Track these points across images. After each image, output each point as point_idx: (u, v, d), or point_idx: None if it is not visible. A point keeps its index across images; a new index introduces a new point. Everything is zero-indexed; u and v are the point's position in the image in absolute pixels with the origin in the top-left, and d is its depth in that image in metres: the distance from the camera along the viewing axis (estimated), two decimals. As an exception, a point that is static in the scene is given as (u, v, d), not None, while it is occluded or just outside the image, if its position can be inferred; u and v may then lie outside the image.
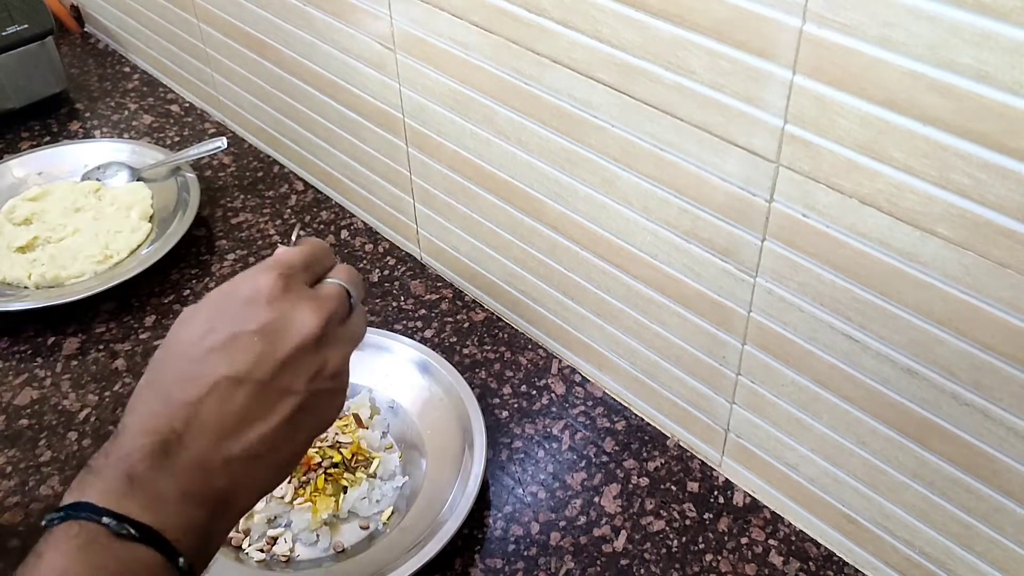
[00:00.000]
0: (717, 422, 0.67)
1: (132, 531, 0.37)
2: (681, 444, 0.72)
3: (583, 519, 0.67)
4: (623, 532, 0.66)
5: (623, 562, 0.64)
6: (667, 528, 0.66)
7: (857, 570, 0.63)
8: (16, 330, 0.83)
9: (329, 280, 0.46)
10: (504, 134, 0.69)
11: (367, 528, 0.66)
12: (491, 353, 0.80)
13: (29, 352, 0.81)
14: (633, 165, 0.60)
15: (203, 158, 1.01)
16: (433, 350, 0.75)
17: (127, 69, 1.22)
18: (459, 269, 0.85)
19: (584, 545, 0.65)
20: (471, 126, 0.71)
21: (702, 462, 0.70)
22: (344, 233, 0.94)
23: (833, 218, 0.50)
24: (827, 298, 0.53)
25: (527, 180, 0.70)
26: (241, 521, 0.65)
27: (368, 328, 0.78)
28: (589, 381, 0.77)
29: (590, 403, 0.75)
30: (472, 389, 0.71)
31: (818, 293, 0.54)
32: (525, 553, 0.65)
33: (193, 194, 0.93)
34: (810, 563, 0.64)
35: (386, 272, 0.89)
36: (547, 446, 0.72)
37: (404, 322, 0.83)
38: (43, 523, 0.37)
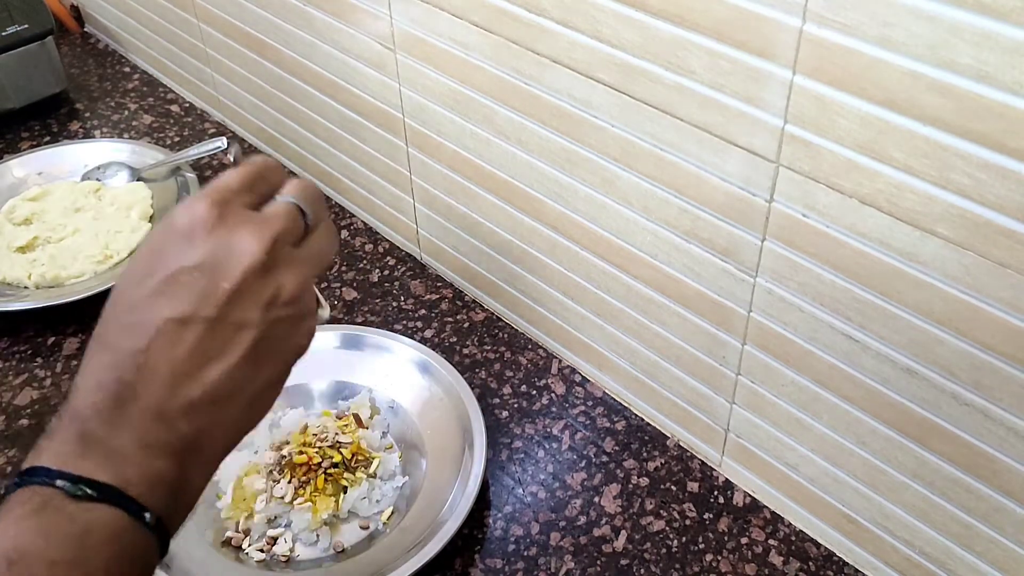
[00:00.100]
0: (717, 422, 0.67)
1: (89, 491, 0.35)
2: (681, 444, 0.72)
3: (583, 519, 0.67)
4: (623, 532, 0.66)
5: (623, 562, 0.64)
6: (667, 528, 0.66)
7: (857, 570, 0.63)
8: (16, 330, 0.83)
9: (278, 199, 0.42)
10: (504, 134, 0.69)
11: (367, 528, 0.66)
12: (491, 353, 0.80)
13: (29, 352, 0.81)
14: (633, 165, 0.60)
15: (203, 158, 1.01)
16: (433, 350, 0.75)
17: (127, 69, 1.22)
18: (459, 269, 0.85)
19: (584, 545, 0.65)
20: (471, 126, 0.71)
21: (702, 462, 0.70)
22: (344, 233, 0.94)
23: (833, 218, 0.50)
24: (827, 298, 0.53)
25: (527, 180, 0.70)
26: (241, 520, 0.65)
27: (368, 328, 0.79)
28: (589, 381, 0.77)
29: (590, 403, 0.75)
30: (472, 389, 0.71)
31: (818, 293, 0.54)
32: (525, 553, 0.65)
33: (193, 194, 0.93)
34: (810, 563, 0.64)
35: (386, 272, 0.89)
36: (547, 446, 0.72)
37: (404, 322, 0.83)
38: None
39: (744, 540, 0.65)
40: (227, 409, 0.39)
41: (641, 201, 0.61)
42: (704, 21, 0.50)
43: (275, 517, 0.66)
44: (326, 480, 0.66)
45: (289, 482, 0.66)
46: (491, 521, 0.67)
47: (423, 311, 0.84)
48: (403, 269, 0.89)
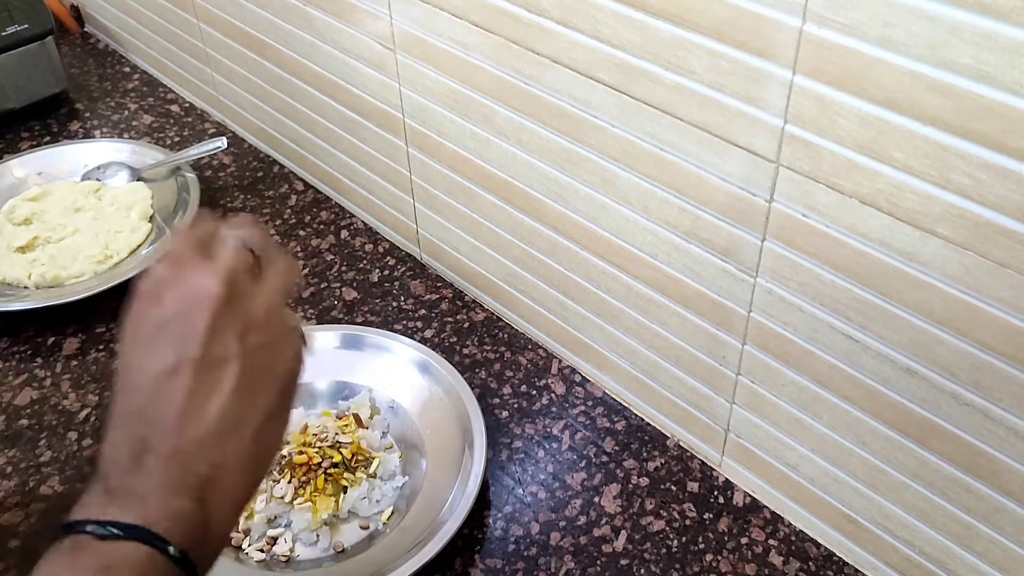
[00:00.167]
0: (717, 422, 0.67)
1: (115, 531, 0.37)
2: (681, 444, 0.72)
3: (583, 519, 0.67)
4: (623, 532, 0.66)
5: (623, 562, 0.64)
6: (667, 528, 0.66)
7: (857, 570, 0.63)
8: (16, 330, 0.83)
9: (222, 242, 0.45)
10: (504, 134, 0.69)
11: (367, 528, 0.66)
12: (491, 353, 0.80)
13: (29, 352, 0.81)
14: (633, 165, 0.60)
15: (203, 158, 1.01)
16: (433, 350, 0.75)
17: (127, 69, 1.22)
18: (459, 269, 0.85)
19: (584, 545, 0.65)
20: (471, 126, 0.71)
21: (702, 462, 0.70)
22: (344, 233, 0.94)
23: (833, 218, 0.50)
24: (827, 298, 0.53)
25: (527, 180, 0.70)
26: (241, 521, 0.65)
27: (368, 328, 0.79)
28: (589, 381, 0.77)
29: (590, 403, 0.75)
30: (472, 389, 0.71)
31: (818, 293, 0.54)
32: (525, 553, 0.65)
33: (193, 194, 0.93)
34: (810, 563, 0.64)
35: (386, 272, 0.89)
36: (547, 446, 0.72)
37: (404, 322, 0.83)
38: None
39: (744, 540, 0.65)
40: (233, 442, 0.41)
41: (641, 201, 0.61)
42: (704, 21, 0.50)
43: (275, 517, 0.66)
44: (326, 480, 0.66)
45: (289, 482, 0.66)
46: (491, 521, 0.67)
47: (423, 311, 0.84)
48: (403, 269, 0.89)
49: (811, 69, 0.46)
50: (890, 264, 0.49)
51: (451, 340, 0.81)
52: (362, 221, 0.95)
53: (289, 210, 0.97)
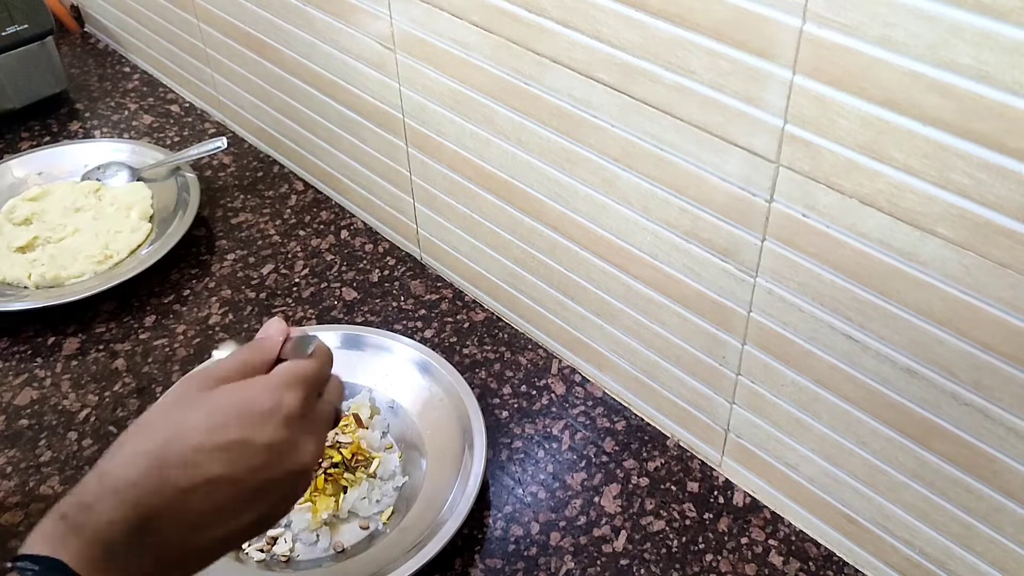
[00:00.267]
0: (717, 422, 0.67)
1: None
2: (681, 444, 0.72)
3: (583, 519, 0.67)
4: (623, 532, 0.66)
5: (623, 562, 0.64)
6: (667, 528, 0.66)
7: (857, 570, 0.63)
8: (16, 330, 0.83)
9: (325, 400, 0.48)
10: (504, 134, 0.69)
11: (367, 528, 0.66)
12: (491, 353, 0.80)
13: (29, 352, 0.81)
14: (633, 165, 0.60)
15: (203, 158, 1.01)
16: (433, 350, 0.75)
17: (127, 69, 1.22)
18: (459, 269, 0.85)
19: (584, 545, 0.65)
20: (471, 126, 0.71)
21: (702, 462, 0.70)
22: (344, 233, 0.94)
23: (833, 218, 0.50)
24: (827, 298, 0.53)
25: (527, 180, 0.70)
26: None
27: (368, 328, 0.79)
28: (589, 381, 0.77)
29: (590, 403, 0.75)
30: (472, 389, 0.71)
31: (818, 293, 0.54)
32: (525, 553, 0.65)
33: (193, 194, 0.93)
34: (810, 563, 0.64)
35: (386, 272, 0.89)
36: (547, 446, 0.72)
37: (404, 322, 0.83)
38: (9, 565, 0.38)
39: (744, 540, 0.65)
40: (206, 556, 0.42)
41: (641, 201, 0.61)
42: (704, 21, 0.50)
43: (275, 517, 0.66)
44: (326, 480, 0.66)
45: (289, 482, 0.66)
46: (491, 521, 0.67)
47: (423, 311, 0.84)
48: (403, 269, 0.89)
49: (811, 69, 0.46)
50: (890, 264, 0.49)
51: (451, 340, 0.81)
52: (362, 221, 0.95)
53: (289, 210, 0.97)
